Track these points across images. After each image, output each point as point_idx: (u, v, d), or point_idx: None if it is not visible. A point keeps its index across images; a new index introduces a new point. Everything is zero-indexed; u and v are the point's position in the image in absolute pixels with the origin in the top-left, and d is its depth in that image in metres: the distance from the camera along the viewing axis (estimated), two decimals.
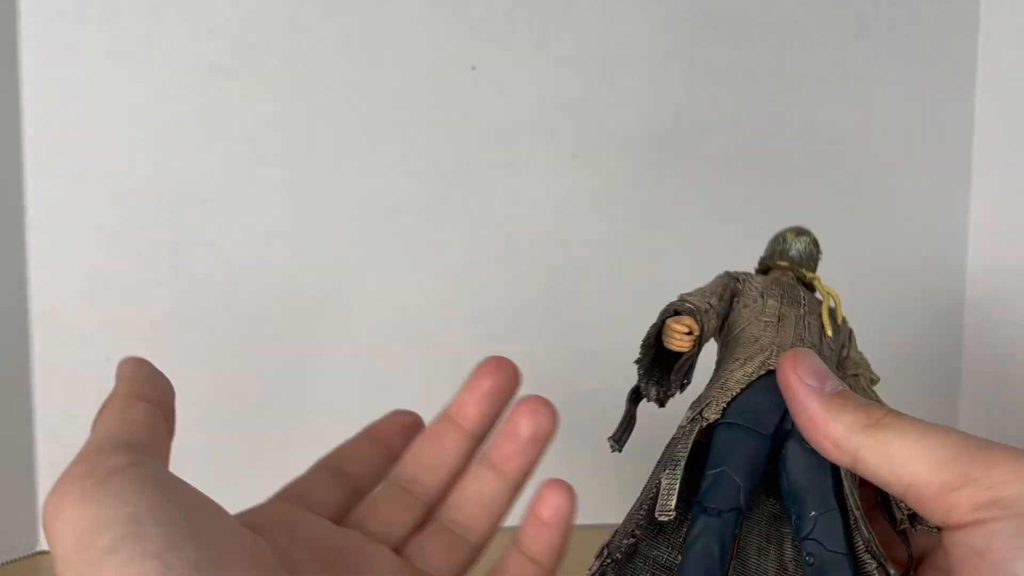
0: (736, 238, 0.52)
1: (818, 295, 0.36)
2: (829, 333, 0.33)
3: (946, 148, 0.63)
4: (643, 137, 0.59)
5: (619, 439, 0.32)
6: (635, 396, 0.33)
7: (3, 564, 0.53)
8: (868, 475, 0.27)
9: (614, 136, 0.59)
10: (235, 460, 0.56)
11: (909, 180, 0.63)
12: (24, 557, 0.54)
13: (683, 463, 0.29)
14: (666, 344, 0.32)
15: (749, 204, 0.60)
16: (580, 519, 0.32)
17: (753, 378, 0.31)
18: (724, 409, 0.30)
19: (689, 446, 0.29)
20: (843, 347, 0.35)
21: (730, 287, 0.35)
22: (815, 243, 0.38)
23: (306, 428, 0.57)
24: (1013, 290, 0.62)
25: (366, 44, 0.56)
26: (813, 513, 0.28)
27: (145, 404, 0.27)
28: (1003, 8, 0.62)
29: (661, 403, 0.33)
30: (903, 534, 0.30)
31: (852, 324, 0.37)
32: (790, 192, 0.61)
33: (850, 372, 0.34)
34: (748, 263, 0.38)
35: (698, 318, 0.32)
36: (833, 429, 0.27)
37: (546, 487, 0.31)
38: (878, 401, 0.33)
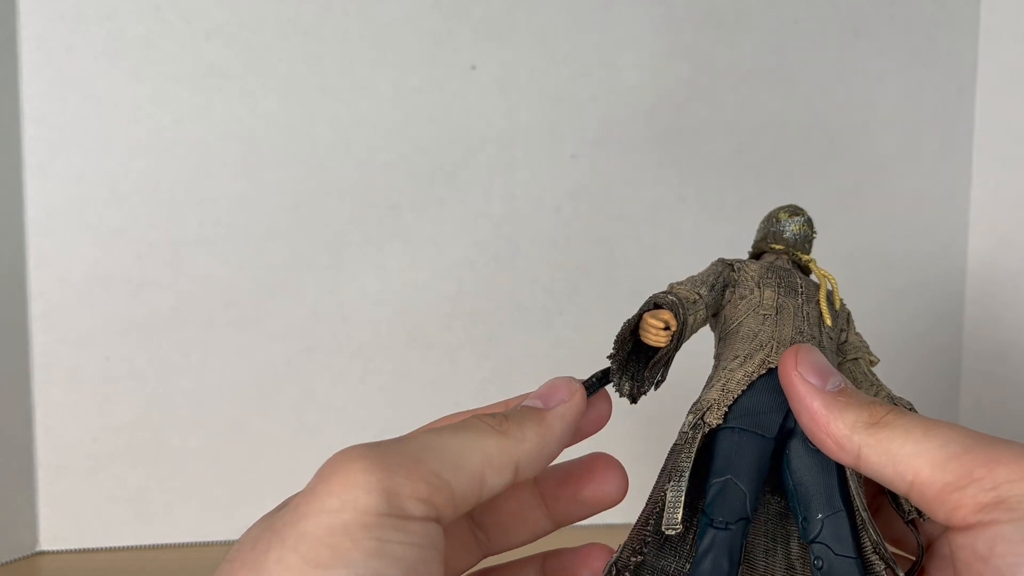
0: (736, 238, 0.52)
1: (814, 278, 0.35)
2: (829, 322, 0.33)
3: (946, 148, 0.63)
4: (643, 137, 0.59)
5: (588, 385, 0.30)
6: (603, 378, 0.31)
7: (3, 564, 0.53)
8: (871, 474, 0.26)
9: (614, 136, 0.59)
10: (235, 460, 0.56)
11: (909, 180, 0.63)
12: (24, 557, 0.54)
13: (687, 474, 0.28)
14: (643, 338, 0.30)
15: (749, 204, 0.60)
16: (587, 521, 0.32)
17: (754, 377, 0.30)
18: (726, 413, 0.29)
19: (693, 455, 0.29)
20: (842, 331, 0.34)
21: (723, 276, 0.34)
22: (809, 223, 0.36)
23: (306, 428, 0.57)
24: (1013, 290, 0.62)
25: (366, 44, 0.56)
26: (820, 516, 0.28)
27: None
28: (1003, 8, 0.62)
29: (633, 399, 0.31)
30: (912, 524, 0.30)
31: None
32: (790, 192, 0.61)
33: (850, 356, 0.34)
34: None
35: (678, 312, 0.30)
36: (835, 428, 0.27)
37: (588, 551, 0.31)
38: (878, 384, 0.33)
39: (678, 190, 0.59)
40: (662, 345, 0.30)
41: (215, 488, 0.56)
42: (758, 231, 0.37)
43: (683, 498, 0.28)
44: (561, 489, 0.31)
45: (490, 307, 0.58)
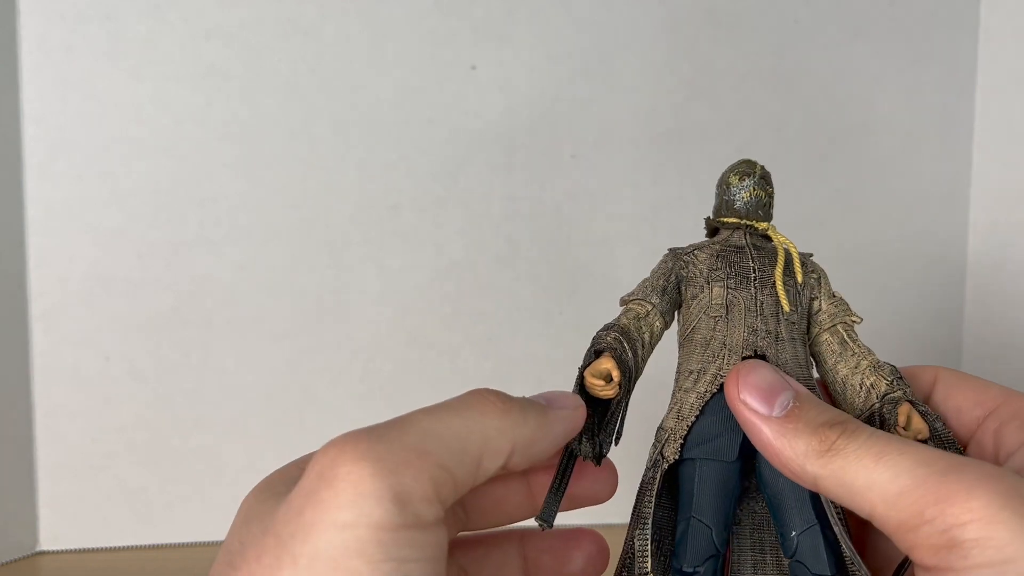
0: None
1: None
2: (786, 307, 0.30)
3: (946, 148, 0.63)
4: (643, 137, 0.59)
5: (546, 517, 0.28)
6: (569, 455, 0.29)
7: (3, 564, 0.53)
8: (833, 500, 0.25)
9: (614, 136, 0.59)
10: (235, 460, 0.56)
11: (909, 180, 0.63)
12: (24, 557, 0.54)
13: (650, 520, 0.28)
14: (591, 393, 0.29)
15: None
16: (579, 519, 0.32)
17: (707, 398, 0.29)
18: (683, 443, 0.29)
19: (654, 498, 0.28)
20: (813, 299, 0.32)
21: (675, 272, 0.32)
22: (762, 182, 0.32)
23: (306, 428, 0.57)
24: (1013, 290, 0.62)
25: (366, 44, 0.56)
26: (794, 533, 0.28)
27: None
28: (1003, 8, 0.62)
29: (597, 460, 0.29)
30: None
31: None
32: (790, 192, 0.61)
33: (825, 326, 0.31)
34: None
35: (620, 356, 0.29)
36: (787, 459, 0.25)
37: (580, 533, 0.31)
38: (860, 352, 0.31)
39: (678, 190, 0.59)
40: (611, 396, 0.29)
41: (215, 488, 0.56)
42: (715, 198, 0.34)
43: (649, 546, 0.27)
44: (549, 479, 0.31)
45: (490, 307, 0.58)
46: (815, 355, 0.32)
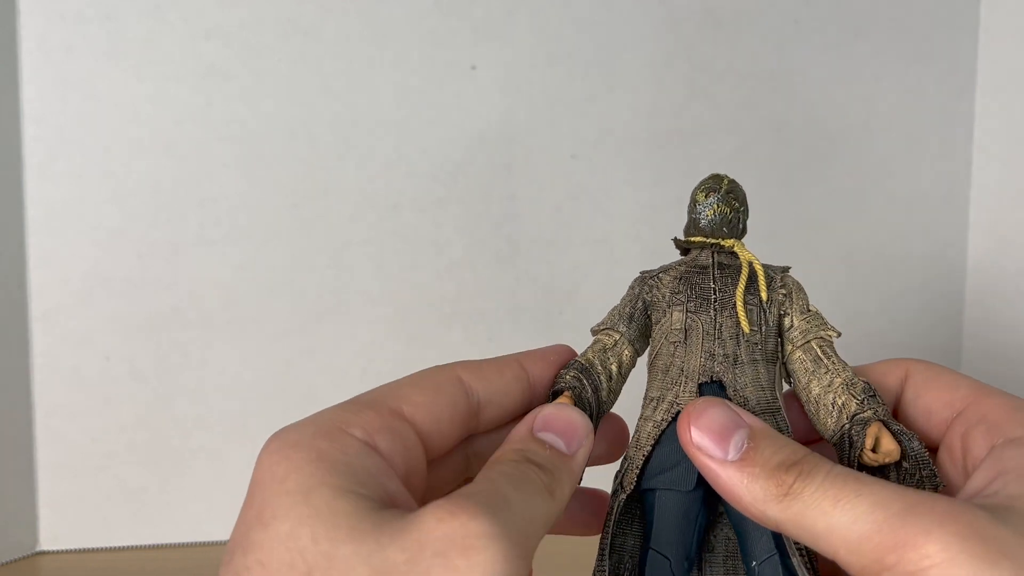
0: None
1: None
2: (746, 329, 0.30)
3: (946, 148, 0.63)
4: (643, 137, 0.59)
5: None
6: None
7: (3, 564, 0.53)
8: (797, 542, 0.25)
9: (614, 136, 0.59)
10: (235, 460, 0.56)
11: (909, 180, 0.63)
12: (24, 557, 0.54)
13: (608, 551, 0.28)
14: None
15: (749, 203, 0.59)
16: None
17: (663, 427, 0.29)
18: (640, 473, 0.28)
19: (611, 530, 0.28)
20: (783, 315, 0.31)
21: (641, 297, 0.32)
22: (728, 197, 0.32)
23: None
24: (1013, 290, 0.62)
25: (366, 44, 0.56)
26: (754, 563, 0.27)
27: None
28: (1003, 8, 0.62)
29: None
30: None
31: (852, 329, 0.34)
32: (790, 192, 0.61)
33: (798, 344, 0.30)
34: None
35: (580, 394, 0.29)
36: (747, 505, 0.25)
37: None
38: (834, 368, 0.30)
39: (678, 190, 0.59)
40: None
41: (215, 488, 0.56)
42: (686, 215, 0.33)
43: None
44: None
45: (490, 307, 0.58)
46: (790, 372, 0.31)
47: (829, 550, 0.23)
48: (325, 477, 0.23)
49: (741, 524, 0.28)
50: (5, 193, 0.53)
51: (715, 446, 0.25)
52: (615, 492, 0.29)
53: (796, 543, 0.27)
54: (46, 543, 0.55)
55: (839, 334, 0.31)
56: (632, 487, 0.28)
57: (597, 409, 0.30)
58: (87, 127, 0.54)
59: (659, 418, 0.29)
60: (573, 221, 0.59)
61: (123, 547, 0.56)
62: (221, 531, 0.55)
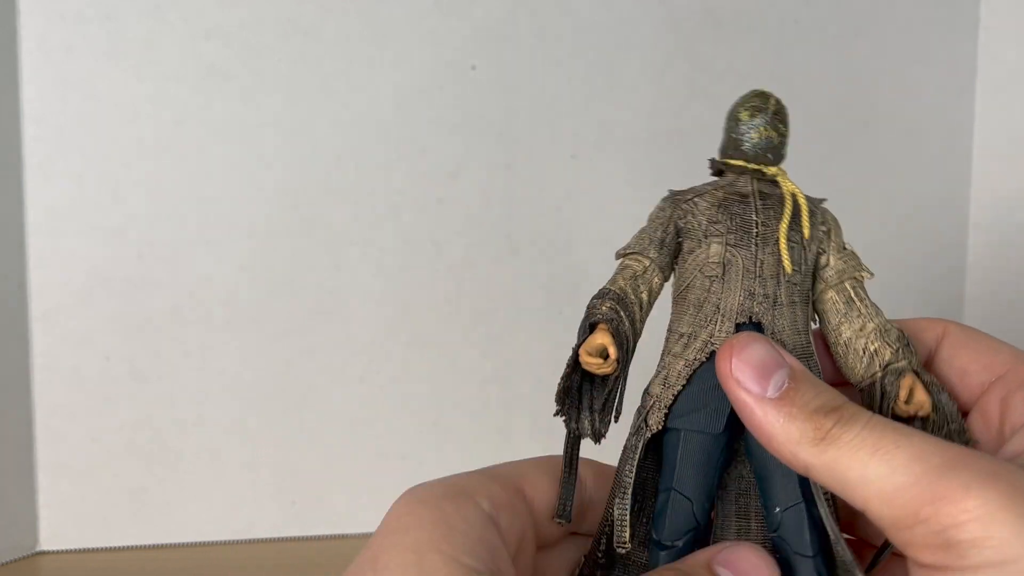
0: None
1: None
2: (788, 268, 0.28)
3: (946, 148, 0.63)
4: (643, 137, 0.59)
5: (563, 511, 0.27)
6: (574, 441, 0.28)
7: (3, 564, 0.53)
8: (824, 488, 0.25)
9: (614, 136, 0.59)
10: (235, 460, 0.56)
11: (909, 180, 0.63)
12: (24, 557, 0.54)
13: (631, 489, 0.27)
14: (587, 369, 0.27)
15: None
16: None
17: (696, 366, 0.27)
18: (667, 412, 0.27)
19: (635, 467, 0.27)
20: (820, 254, 0.30)
21: (674, 221, 0.30)
22: (775, 119, 0.30)
23: (306, 428, 0.57)
24: (1013, 290, 0.62)
25: (366, 44, 0.56)
26: (778, 509, 0.27)
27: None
28: (1003, 8, 0.62)
29: (597, 439, 0.28)
30: None
31: None
32: None
33: (832, 283, 0.29)
34: None
35: (618, 328, 0.27)
36: (779, 444, 0.24)
37: None
38: (867, 312, 0.29)
39: None
40: (609, 372, 0.27)
41: (215, 488, 0.56)
42: (723, 133, 0.31)
43: (628, 516, 0.26)
44: None
45: (490, 307, 0.58)
46: (819, 312, 0.30)
47: (859, 499, 0.23)
48: (442, 543, 0.23)
49: (765, 468, 0.27)
50: (5, 193, 0.53)
51: (755, 382, 0.25)
52: (638, 429, 0.27)
53: (825, 492, 0.26)
54: (46, 543, 0.55)
55: (872, 275, 0.30)
56: (659, 427, 0.27)
57: (632, 341, 0.28)
58: (87, 127, 0.54)
59: (691, 356, 0.27)
60: (573, 221, 0.59)
61: (123, 547, 0.56)
62: (221, 531, 0.55)
